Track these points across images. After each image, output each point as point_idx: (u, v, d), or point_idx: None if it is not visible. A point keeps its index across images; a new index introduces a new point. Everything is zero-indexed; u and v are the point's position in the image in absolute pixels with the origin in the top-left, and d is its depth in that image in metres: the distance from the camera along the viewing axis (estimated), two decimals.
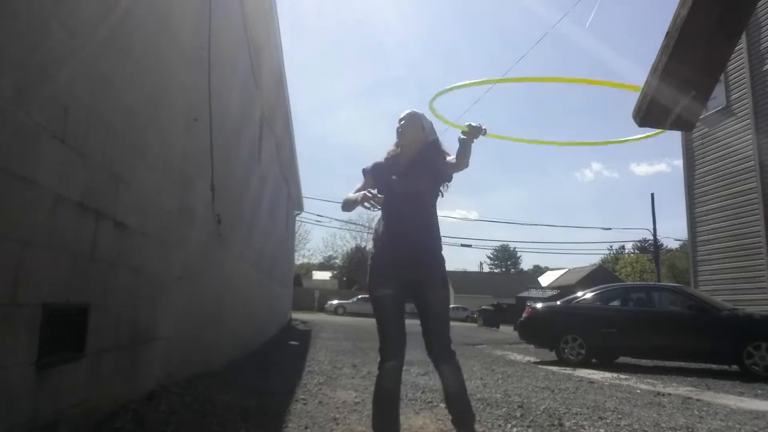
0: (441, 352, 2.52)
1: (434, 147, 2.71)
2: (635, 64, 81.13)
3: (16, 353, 1.93)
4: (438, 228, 2.67)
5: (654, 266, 28.54)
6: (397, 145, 2.78)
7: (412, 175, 2.63)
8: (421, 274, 2.55)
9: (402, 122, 2.73)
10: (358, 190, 2.65)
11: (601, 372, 7.20)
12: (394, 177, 2.67)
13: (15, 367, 1.93)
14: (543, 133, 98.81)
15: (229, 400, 3.66)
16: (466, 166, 2.55)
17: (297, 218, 23.83)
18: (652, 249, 30.95)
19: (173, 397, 3.45)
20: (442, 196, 2.73)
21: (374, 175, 2.74)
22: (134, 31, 2.87)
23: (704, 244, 13.73)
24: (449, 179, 2.69)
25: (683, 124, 1.76)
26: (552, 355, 8.71)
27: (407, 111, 2.76)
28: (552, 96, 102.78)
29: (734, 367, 7.63)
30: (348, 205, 2.67)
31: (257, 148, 7.85)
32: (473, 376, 5.80)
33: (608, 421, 3.77)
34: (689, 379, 6.81)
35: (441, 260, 2.63)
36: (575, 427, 3.53)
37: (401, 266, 2.54)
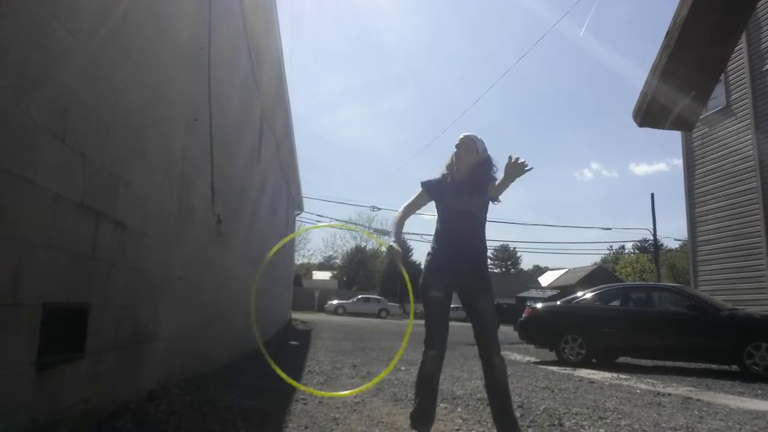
0: (494, 346, 2.89)
1: (485, 168, 3.03)
2: (635, 64, 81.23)
3: (16, 353, 1.93)
4: (485, 241, 3.08)
5: (654, 266, 28.54)
6: (450, 166, 3.11)
7: (465, 195, 2.99)
8: (473, 280, 2.95)
9: (459, 148, 3.04)
10: (411, 203, 3.12)
11: (601, 372, 7.20)
12: (449, 195, 3.02)
13: (15, 367, 1.93)
14: (542, 131, 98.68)
15: (229, 400, 3.66)
16: (496, 200, 2.97)
17: (297, 218, 23.81)
18: (652, 249, 30.94)
19: (173, 396, 3.45)
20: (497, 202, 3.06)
21: (431, 192, 3.09)
22: (134, 31, 2.87)
23: (704, 244, 13.73)
24: (495, 200, 3.03)
25: (683, 124, 1.76)
26: (552, 355, 8.71)
27: (462, 136, 3.07)
28: (552, 93, 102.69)
29: (734, 367, 7.63)
30: (392, 228, 3.11)
31: (257, 148, 7.85)
32: (473, 376, 5.79)
33: (608, 421, 3.77)
34: (689, 379, 6.81)
35: (486, 266, 3.09)
36: (575, 427, 3.53)
37: (454, 273, 2.94)
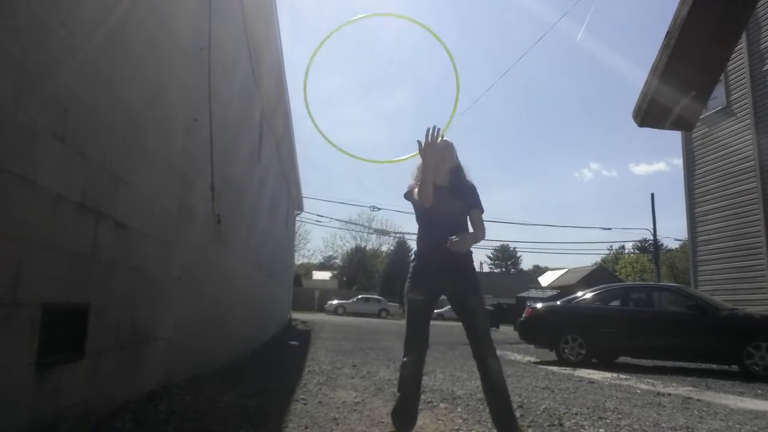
0: (488, 347, 2.82)
1: (461, 174, 3.10)
2: (635, 64, 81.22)
3: (16, 353, 1.93)
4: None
5: (654, 266, 28.53)
6: (422, 168, 2.95)
7: (448, 199, 2.96)
8: (460, 282, 2.91)
9: (447, 149, 3.05)
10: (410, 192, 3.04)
11: (601, 372, 7.20)
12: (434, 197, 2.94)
13: (15, 367, 1.93)
14: (542, 130, 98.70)
15: (229, 400, 3.66)
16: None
17: (297, 218, 23.82)
18: (652, 249, 30.93)
19: (173, 397, 3.45)
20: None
21: (411, 199, 3.06)
22: (134, 31, 2.87)
23: (704, 244, 13.73)
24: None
25: (683, 124, 1.76)
26: (552, 355, 8.71)
27: (445, 139, 3.00)
28: (552, 93, 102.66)
29: (734, 367, 7.64)
30: (422, 187, 2.88)
31: (257, 148, 7.85)
32: (473, 376, 5.79)
33: (608, 421, 3.77)
34: (689, 379, 6.81)
35: (473, 267, 3.04)
36: (575, 427, 3.53)
37: (440, 276, 2.90)
